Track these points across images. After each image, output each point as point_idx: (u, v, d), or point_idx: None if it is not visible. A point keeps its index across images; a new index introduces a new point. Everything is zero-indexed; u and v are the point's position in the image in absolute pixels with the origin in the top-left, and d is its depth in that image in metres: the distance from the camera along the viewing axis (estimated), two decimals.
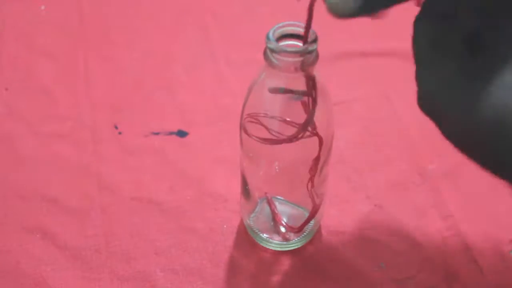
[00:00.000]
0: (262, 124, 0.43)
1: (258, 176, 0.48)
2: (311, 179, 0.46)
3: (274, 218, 0.50)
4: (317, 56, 0.41)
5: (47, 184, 0.56)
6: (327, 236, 0.52)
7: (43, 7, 0.72)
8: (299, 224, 0.49)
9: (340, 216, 0.53)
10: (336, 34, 0.64)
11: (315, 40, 0.40)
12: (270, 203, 0.50)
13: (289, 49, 0.40)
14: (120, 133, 0.60)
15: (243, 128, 0.45)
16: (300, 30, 0.41)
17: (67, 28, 0.70)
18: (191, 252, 0.51)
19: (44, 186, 0.55)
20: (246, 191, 0.50)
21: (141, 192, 0.55)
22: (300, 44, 0.41)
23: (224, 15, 0.71)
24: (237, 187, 0.52)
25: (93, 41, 0.69)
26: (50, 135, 0.59)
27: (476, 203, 0.54)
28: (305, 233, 0.51)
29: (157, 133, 0.60)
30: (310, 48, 0.40)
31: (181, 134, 0.60)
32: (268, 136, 0.43)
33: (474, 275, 0.50)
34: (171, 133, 0.60)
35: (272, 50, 0.40)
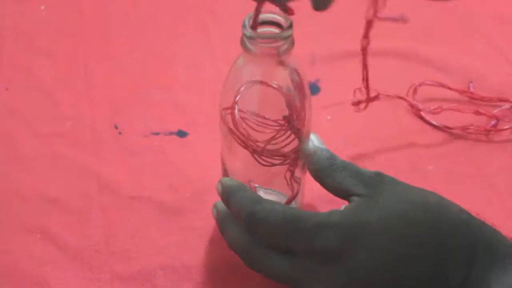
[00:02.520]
0: (239, 118, 0.44)
1: (237, 164, 0.48)
2: (290, 169, 0.46)
3: None
4: (292, 43, 0.42)
5: (47, 184, 0.56)
6: None
7: (43, 7, 0.72)
8: None
9: None
10: (336, 34, 0.64)
11: (290, 26, 0.41)
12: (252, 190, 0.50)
13: (263, 35, 0.41)
14: (120, 133, 0.60)
15: (222, 119, 0.46)
16: (277, 17, 0.42)
17: (67, 28, 0.70)
18: (191, 251, 0.51)
19: (44, 186, 0.55)
20: None
21: (141, 191, 0.55)
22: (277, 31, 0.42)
23: (224, 15, 0.71)
24: None
25: (93, 41, 0.69)
26: (50, 135, 0.59)
27: (476, 203, 0.54)
28: None
29: (157, 133, 0.60)
30: (285, 33, 0.41)
31: (181, 134, 0.60)
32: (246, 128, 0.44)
33: None
34: (171, 133, 0.60)
35: (248, 37, 0.41)
